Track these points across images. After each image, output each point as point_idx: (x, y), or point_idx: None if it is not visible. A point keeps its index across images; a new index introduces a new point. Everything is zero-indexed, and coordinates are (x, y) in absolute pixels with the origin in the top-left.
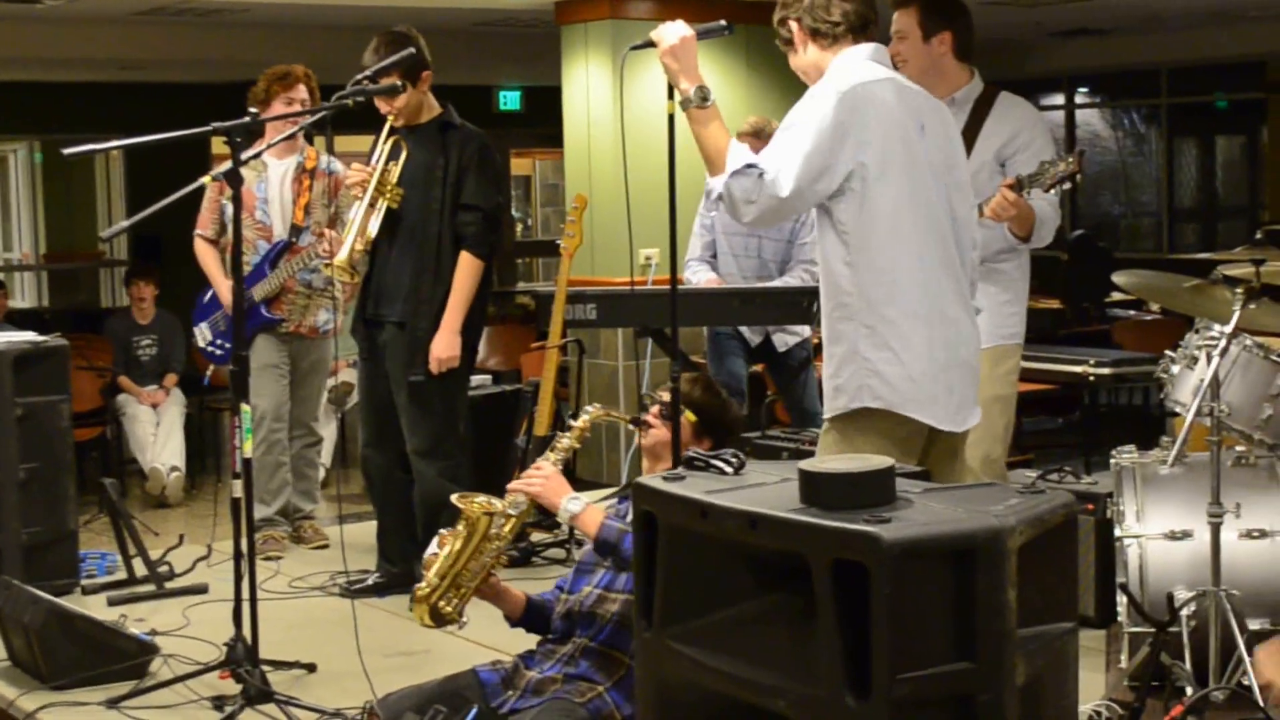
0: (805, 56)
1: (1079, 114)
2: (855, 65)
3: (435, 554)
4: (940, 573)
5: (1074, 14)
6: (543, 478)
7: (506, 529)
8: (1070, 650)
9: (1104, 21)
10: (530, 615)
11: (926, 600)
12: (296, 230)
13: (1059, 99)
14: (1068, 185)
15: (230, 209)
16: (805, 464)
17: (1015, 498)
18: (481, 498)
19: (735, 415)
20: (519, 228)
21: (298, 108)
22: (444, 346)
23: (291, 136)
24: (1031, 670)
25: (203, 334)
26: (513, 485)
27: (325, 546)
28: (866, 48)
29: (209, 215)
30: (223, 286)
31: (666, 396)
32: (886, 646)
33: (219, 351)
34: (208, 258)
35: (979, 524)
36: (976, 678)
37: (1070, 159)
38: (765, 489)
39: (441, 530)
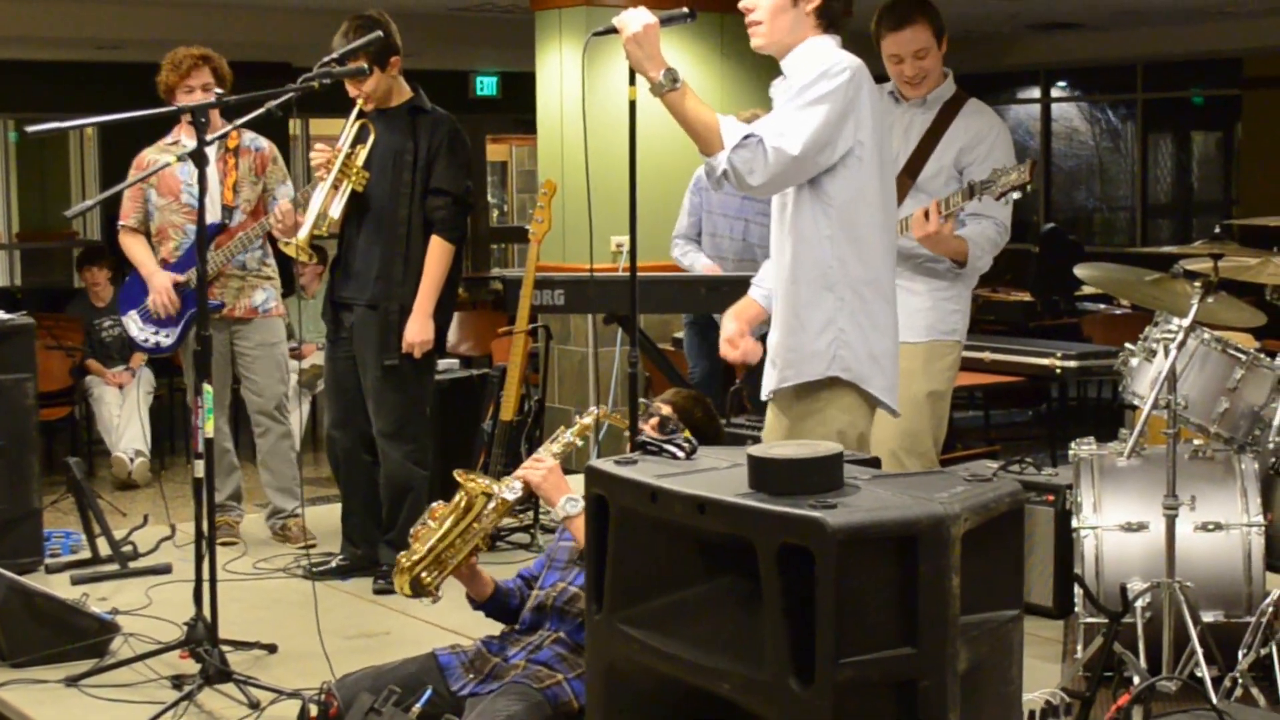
0: (785, 19)
1: (1055, 108)
2: (840, 50)
3: (426, 525)
4: (884, 558)
5: (1051, 8)
6: (545, 469)
7: (497, 513)
8: (1014, 638)
9: (1081, 16)
10: (494, 601)
11: (870, 585)
12: (228, 211)
13: (1035, 92)
14: (1017, 195)
15: (155, 196)
16: (754, 449)
17: (961, 485)
18: (483, 479)
19: (724, 438)
20: (494, 214)
21: (199, 96)
22: (418, 330)
23: (254, 119)
24: (974, 656)
25: (133, 325)
26: (518, 472)
27: (314, 546)
28: (837, 39)
29: (131, 205)
30: (153, 275)
31: (666, 410)
32: (830, 631)
33: (150, 343)
34: (134, 247)
35: (923, 511)
36: (919, 663)
37: (1022, 168)
38: (715, 474)
39: (434, 504)
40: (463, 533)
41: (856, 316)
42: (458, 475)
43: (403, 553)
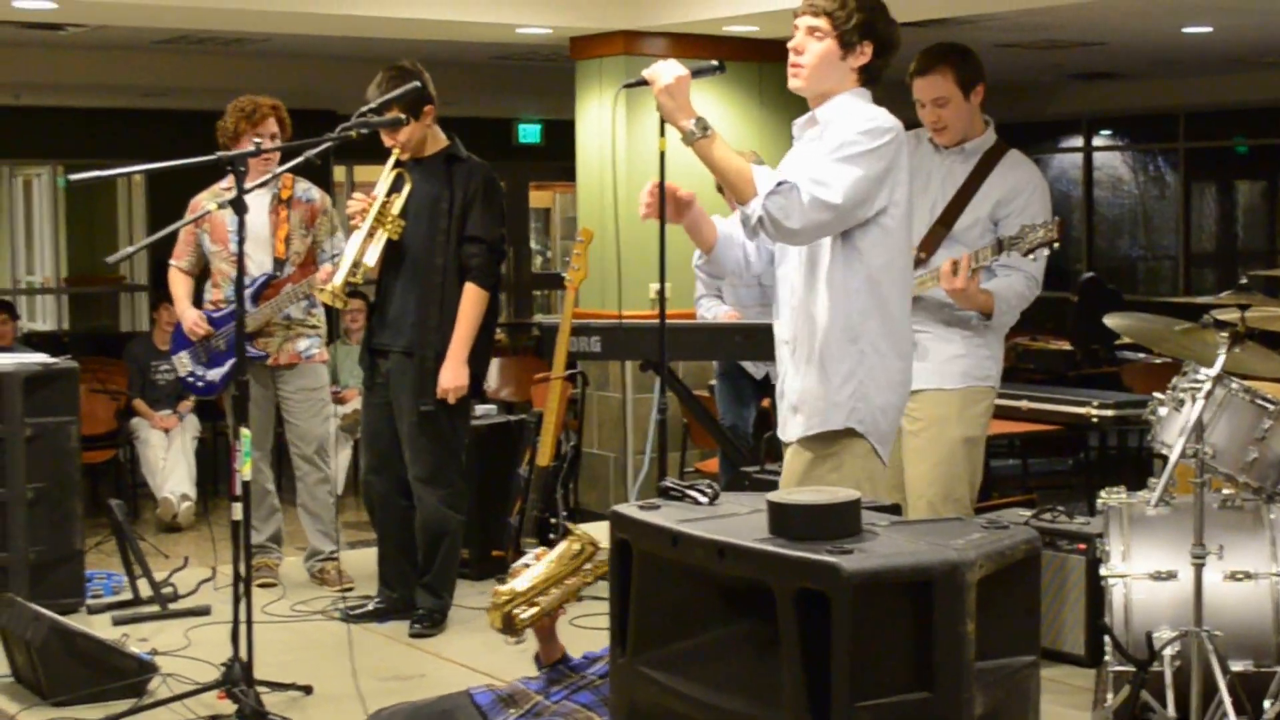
0: (830, 70)
1: (1098, 156)
2: (878, 107)
3: (527, 564)
4: (899, 604)
5: (1093, 57)
6: None
7: (595, 571)
8: (1030, 683)
9: (1123, 65)
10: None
11: (886, 630)
12: (279, 264)
13: (1078, 141)
14: (1046, 252)
15: (207, 241)
16: (774, 495)
17: (978, 532)
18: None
19: None
20: (538, 260)
21: (268, 143)
22: (452, 376)
23: (292, 169)
24: (990, 701)
25: (182, 363)
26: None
27: (351, 589)
28: (870, 93)
29: (184, 247)
30: (186, 316)
31: None
32: (846, 675)
33: (200, 384)
34: (178, 287)
35: (938, 557)
36: (935, 707)
37: (1050, 226)
38: (736, 519)
39: (536, 549)
40: (560, 580)
41: (875, 371)
42: (569, 526)
43: (499, 588)
